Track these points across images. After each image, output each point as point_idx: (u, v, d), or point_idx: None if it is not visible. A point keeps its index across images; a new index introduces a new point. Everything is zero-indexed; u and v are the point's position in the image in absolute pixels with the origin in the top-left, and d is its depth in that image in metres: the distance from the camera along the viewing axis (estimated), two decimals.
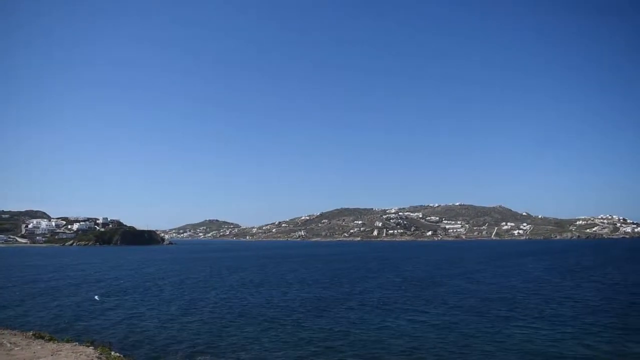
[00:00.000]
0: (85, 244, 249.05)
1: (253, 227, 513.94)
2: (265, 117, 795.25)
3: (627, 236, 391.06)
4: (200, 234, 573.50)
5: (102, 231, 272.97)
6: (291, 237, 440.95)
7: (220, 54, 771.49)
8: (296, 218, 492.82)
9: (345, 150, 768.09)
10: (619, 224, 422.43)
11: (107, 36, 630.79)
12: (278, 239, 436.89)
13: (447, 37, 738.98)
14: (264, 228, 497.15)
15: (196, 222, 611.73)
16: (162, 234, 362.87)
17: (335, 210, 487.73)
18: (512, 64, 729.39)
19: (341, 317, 34.95)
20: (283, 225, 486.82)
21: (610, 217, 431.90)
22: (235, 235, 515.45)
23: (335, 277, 67.38)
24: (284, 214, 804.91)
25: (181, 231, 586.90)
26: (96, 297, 46.17)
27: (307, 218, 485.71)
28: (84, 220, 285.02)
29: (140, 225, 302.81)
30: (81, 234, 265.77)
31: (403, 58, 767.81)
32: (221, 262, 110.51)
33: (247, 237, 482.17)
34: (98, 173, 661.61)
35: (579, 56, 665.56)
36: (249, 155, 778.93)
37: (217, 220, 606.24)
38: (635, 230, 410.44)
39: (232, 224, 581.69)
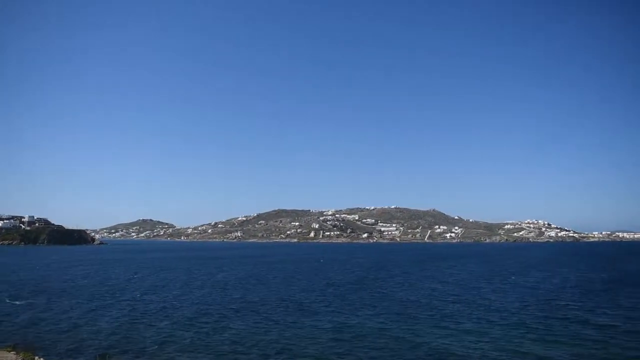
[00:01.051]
0: (8, 243, 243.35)
1: (188, 228, 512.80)
2: (202, 114, 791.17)
3: (551, 240, 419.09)
4: (133, 234, 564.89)
5: (27, 230, 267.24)
6: (227, 238, 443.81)
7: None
8: (233, 219, 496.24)
9: (283, 152, 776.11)
10: (544, 229, 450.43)
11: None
12: (214, 240, 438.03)
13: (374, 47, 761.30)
14: (199, 228, 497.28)
15: (129, 221, 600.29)
16: (93, 234, 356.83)
17: (272, 211, 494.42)
18: (445, 70, 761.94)
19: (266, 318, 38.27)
20: (219, 225, 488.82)
21: (536, 221, 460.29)
22: (170, 235, 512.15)
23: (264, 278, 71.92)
24: (221, 215, 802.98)
25: (113, 231, 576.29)
26: (7, 300, 46.41)
27: (244, 219, 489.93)
28: (7, 219, 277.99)
29: (70, 224, 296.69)
30: (4, 233, 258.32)
31: (319, 64, 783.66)
32: (148, 262, 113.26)
33: (182, 238, 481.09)
34: (27, 171, 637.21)
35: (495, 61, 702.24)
36: (185, 154, 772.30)
37: (150, 220, 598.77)
38: (559, 234, 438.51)
39: (166, 224, 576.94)
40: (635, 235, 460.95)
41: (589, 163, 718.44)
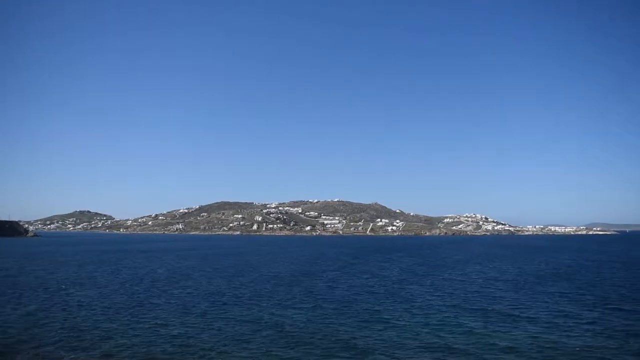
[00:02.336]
0: None
1: (128, 220, 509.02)
2: (142, 102, 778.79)
3: (488, 233, 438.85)
4: (70, 226, 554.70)
5: None
6: (168, 230, 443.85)
7: None
8: (174, 211, 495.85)
9: (226, 143, 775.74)
10: (481, 222, 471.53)
11: None
12: (154, 232, 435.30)
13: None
14: (139, 220, 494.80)
15: (65, 213, 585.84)
16: (27, 226, 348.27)
17: (215, 203, 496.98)
18: (387, 66, 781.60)
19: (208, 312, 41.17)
20: (160, 217, 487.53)
21: (473, 215, 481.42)
22: (108, 227, 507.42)
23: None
24: (162, 207, 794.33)
25: (48, 222, 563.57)
26: None
27: (186, 211, 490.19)
28: None
29: (2, 215, 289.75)
30: None
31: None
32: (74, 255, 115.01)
33: (122, 230, 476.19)
34: None
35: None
36: (124, 144, 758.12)
37: (88, 212, 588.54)
38: (495, 228, 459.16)
39: (104, 215, 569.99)
40: (566, 229, 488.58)
41: (522, 162, 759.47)
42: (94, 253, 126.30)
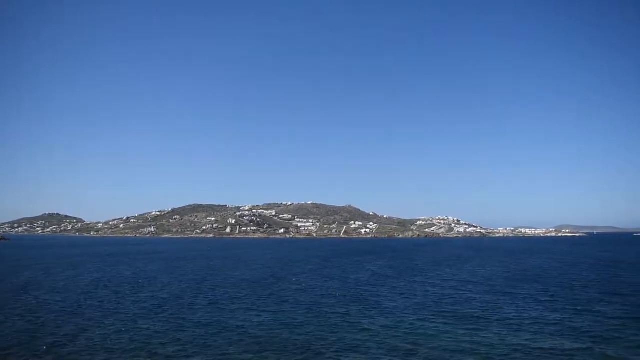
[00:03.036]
0: None
1: (98, 223, 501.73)
2: (115, 102, 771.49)
3: (460, 235, 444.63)
4: (39, 229, 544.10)
5: None
6: (140, 233, 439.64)
7: None
8: (146, 213, 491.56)
9: (199, 145, 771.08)
10: (453, 225, 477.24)
11: None
12: (126, 235, 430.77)
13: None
14: (110, 223, 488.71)
15: (33, 215, 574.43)
16: None
17: (188, 206, 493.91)
18: (363, 69, 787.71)
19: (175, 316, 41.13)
20: (132, 220, 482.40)
21: (446, 218, 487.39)
22: (79, 230, 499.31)
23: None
24: (133, 209, 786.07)
25: (16, 225, 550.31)
26: None
27: (158, 214, 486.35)
28: None
29: None
30: None
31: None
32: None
33: (92, 233, 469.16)
34: None
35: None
36: (96, 145, 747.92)
37: (57, 214, 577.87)
38: (467, 230, 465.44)
39: (74, 218, 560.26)
40: (536, 231, 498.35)
41: (493, 164, 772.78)
42: (61, 256, 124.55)
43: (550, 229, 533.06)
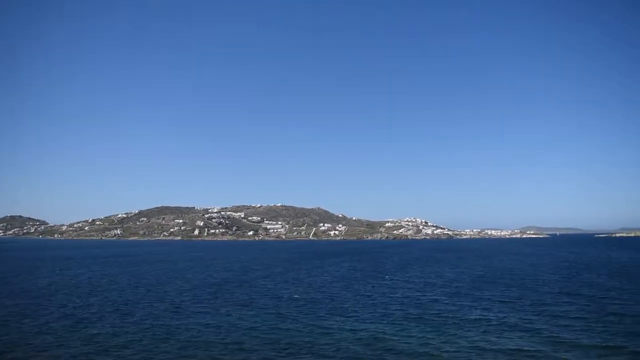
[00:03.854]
0: None
1: (63, 225, 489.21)
2: (80, 102, 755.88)
3: (428, 237, 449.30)
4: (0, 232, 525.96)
5: None
6: (106, 235, 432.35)
7: None
8: (112, 216, 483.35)
9: (167, 147, 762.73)
10: (421, 226, 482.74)
11: None
12: (91, 238, 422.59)
13: None
14: (75, 226, 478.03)
15: None
16: None
17: (155, 208, 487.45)
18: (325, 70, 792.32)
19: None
20: (97, 223, 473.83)
21: (414, 219, 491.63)
22: (42, 233, 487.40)
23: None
24: (99, 211, 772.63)
25: None
26: None
27: (124, 216, 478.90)
28: None
29: None
30: None
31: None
32: None
33: (56, 236, 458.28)
34: None
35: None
36: (59, 145, 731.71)
37: (19, 217, 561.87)
38: (435, 232, 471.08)
39: (37, 220, 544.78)
40: (502, 233, 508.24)
41: (460, 166, 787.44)
42: (17, 260, 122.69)
43: (516, 231, 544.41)
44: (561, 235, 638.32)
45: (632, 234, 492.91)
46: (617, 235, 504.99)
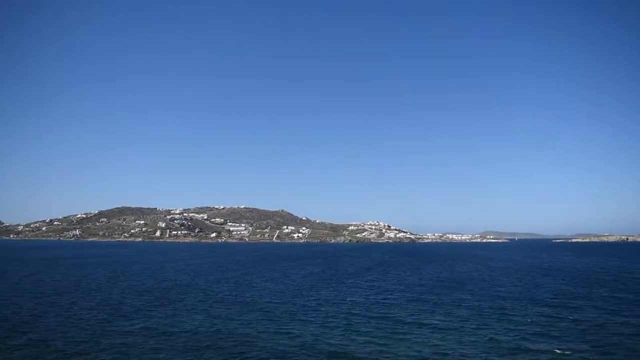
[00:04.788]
0: None
1: (19, 225, 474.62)
2: (39, 97, 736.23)
3: (390, 240, 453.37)
4: None
5: None
6: (64, 236, 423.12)
7: None
8: (71, 216, 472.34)
9: (129, 146, 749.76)
10: (384, 230, 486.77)
11: None
12: (49, 239, 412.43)
13: None
14: (32, 226, 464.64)
15: None
16: None
17: (115, 208, 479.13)
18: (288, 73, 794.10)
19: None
20: (55, 223, 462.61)
21: (377, 223, 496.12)
22: None
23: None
24: (57, 211, 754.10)
25: None
26: None
27: (84, 216, 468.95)
28: None
29: None
30: None
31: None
32: None
33: (12, 236, 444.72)
34: None
35: None
36: (16, 142, 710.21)
37: None
38: (397, 235, 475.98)
39: None
40: (462, 237, 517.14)
41: (422, 170, 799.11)
42: None
43: (476, 235, 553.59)
44: (519, 240, 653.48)
45: (587, 239, 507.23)
46: (573, 240, 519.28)
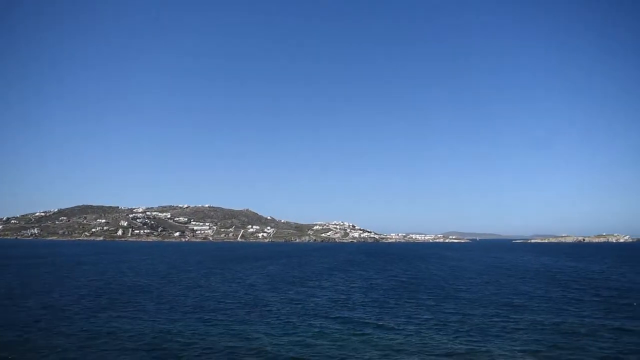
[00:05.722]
0: None
1: None
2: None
3: (355, 240, 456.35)
4: None
5: None
6: (22, 235, 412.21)
7: None
8: (29, 214, 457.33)
9: (91, 142, 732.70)
10: (349, 230, 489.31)
11: None
12: (5, 237, 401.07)
13: None
14: None
15: None
16: None
17: (76, 207, 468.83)
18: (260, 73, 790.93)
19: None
20: (13, 221, 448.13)
21: (342, 223, 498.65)
22: None
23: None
24: (14, 209, 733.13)
25: None
26: None
27: (42, 214, 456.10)
28: None
29: None
30: None
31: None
32: None
33: None
34: None
35: None
36: None
37: None
38: (362, 235, 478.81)
39: None
40: (425, 237, 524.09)
41: (386, 171, 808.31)
42: None
43: (439, 235, 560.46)
44: (481, 240, 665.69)
45: (546, 240, 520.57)
46: (532, 241, 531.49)
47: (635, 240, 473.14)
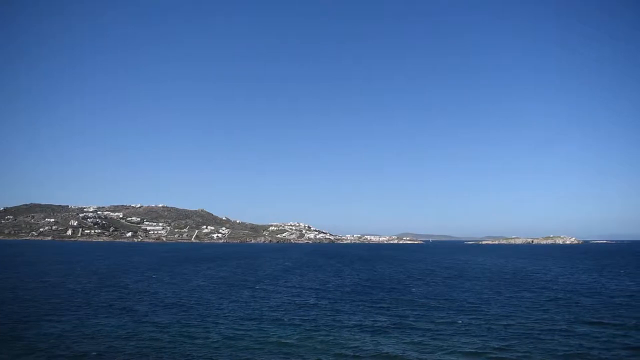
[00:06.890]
0: None
1: None
2: None
3: (310, 241, 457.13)
4: None
5: None
6: None
7: None
8: None
9: (39, 140, 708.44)
10: (304, 231, 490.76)
11: None
12: None
13: None
14: None
15: None
16: None
17: (23, 205, 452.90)
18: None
19: None
20: None
21: (297, 224, 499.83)
22: None
23: None
24: None
25: None
26: None
27: None
28: None
29: None
30: None
31: None
32: None
33: None
34: None
35: None
36: None
37: None
38: (317, 236, 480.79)
39: None
40: (380, 238, 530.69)
41: (341, 172, 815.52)
42: None
43: (393, 237, 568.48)
44: (434, 242, 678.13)
45: (497, 242, 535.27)
46: (484, 242, 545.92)
47: (581, 242, 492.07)
